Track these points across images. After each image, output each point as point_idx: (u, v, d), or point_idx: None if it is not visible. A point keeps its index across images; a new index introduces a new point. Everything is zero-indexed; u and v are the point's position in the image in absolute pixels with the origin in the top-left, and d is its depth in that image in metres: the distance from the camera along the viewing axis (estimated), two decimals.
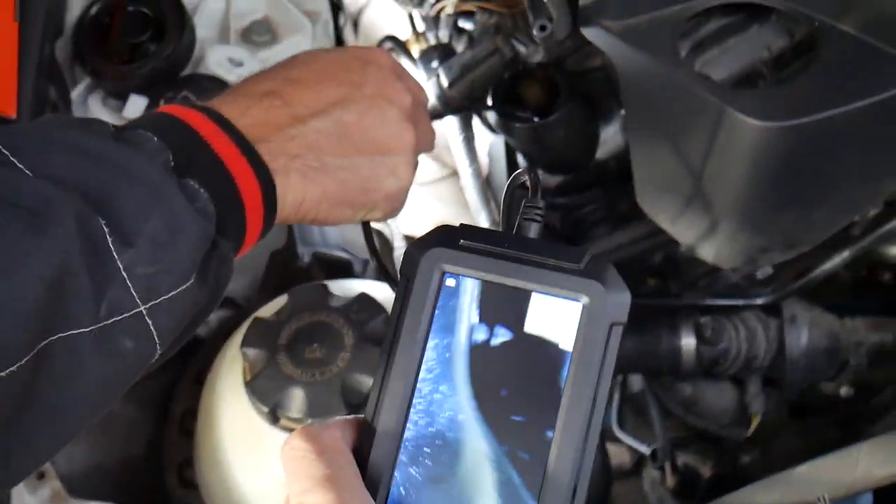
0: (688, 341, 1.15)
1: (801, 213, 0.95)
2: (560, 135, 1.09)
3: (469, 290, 0.54)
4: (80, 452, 1.01)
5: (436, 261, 0.54)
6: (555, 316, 0.54)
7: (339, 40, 1.26)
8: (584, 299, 0.53)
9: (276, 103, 0.66)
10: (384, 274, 0.83)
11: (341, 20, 1.28)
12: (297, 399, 0.87)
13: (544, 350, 0.53)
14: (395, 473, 0.53)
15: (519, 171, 0.60)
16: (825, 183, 0.92)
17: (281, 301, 0.96)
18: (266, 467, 0.92)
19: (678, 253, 1.18)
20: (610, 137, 1.13)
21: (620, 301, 0.53)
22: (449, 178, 1.56)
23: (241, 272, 1.17)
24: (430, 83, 1.12)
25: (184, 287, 0.57)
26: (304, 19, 1.14)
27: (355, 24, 1.62)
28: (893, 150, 0.92)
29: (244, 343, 0.90)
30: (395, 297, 0.55)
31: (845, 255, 1.09)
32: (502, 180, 1.21)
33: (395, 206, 0.74)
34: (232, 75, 1.05)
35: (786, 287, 1.14)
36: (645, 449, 1.23)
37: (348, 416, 0.55)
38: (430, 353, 0.54)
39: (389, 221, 1.18)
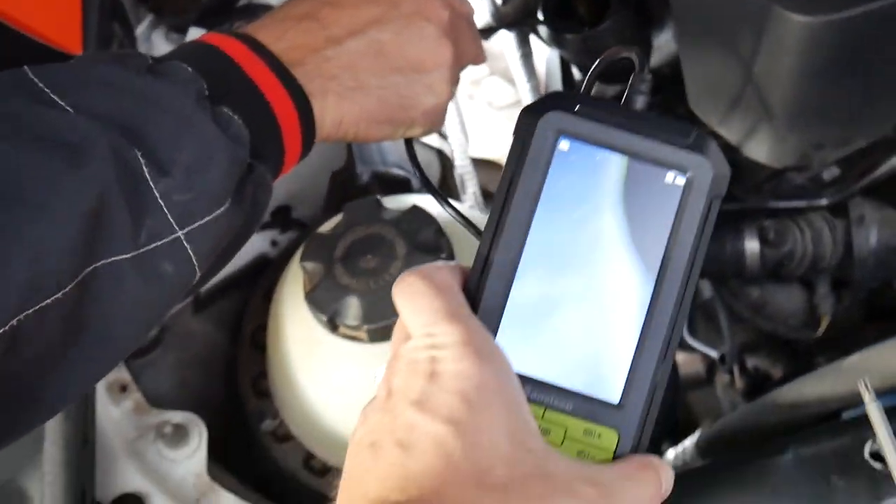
0: (751, 244, 1.14)
1: (852, 108, 0.93)
2: (611, 43, 1.09)
3: (582, 154, 0.57)
4: (162, 368, 1.08)
5: (553, 123, 0.57)
6: (662, 185, 0.57)
7: None
8: (691, 172, 0.57)
9: (312, 26, 0.68)
10: (429, 187, 0.85)
11: None
12: (353, 307, 0.91)
13: (649, 216, 0.57)
14: (507, 313, 0.55)
15: (618, 47, 0.62)
16: (875, 76, 0.90)
17: (338, 217, 0.99)
18: (328, 374, 0.97)
19: (741, 157, 1.17)
20: (663, 44, 1.12)
21: (722, 175, 0.57)
22: None
23: (305, 195, 1.21)
24: (485, 0, 1.14)
25: (219, 212, 0.60)
26: None
27: None
28: None
29: (303, 257, 0.95)
30: (509, 158, 0.58)
31: None
32: None
33: (434, 121, 0.75)
34: None
35: (851, 186, 1.13)
36: (714, 353, 1.24)
37: (452, 263, 0.57)
38: (542, 209, 0.57)
39: (450, 139, 1.20)
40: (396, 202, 1.00)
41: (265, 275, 1.13)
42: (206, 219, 0.59)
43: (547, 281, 0.56)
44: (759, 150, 0.97)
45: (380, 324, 0.90)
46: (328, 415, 0.97)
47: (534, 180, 0.57)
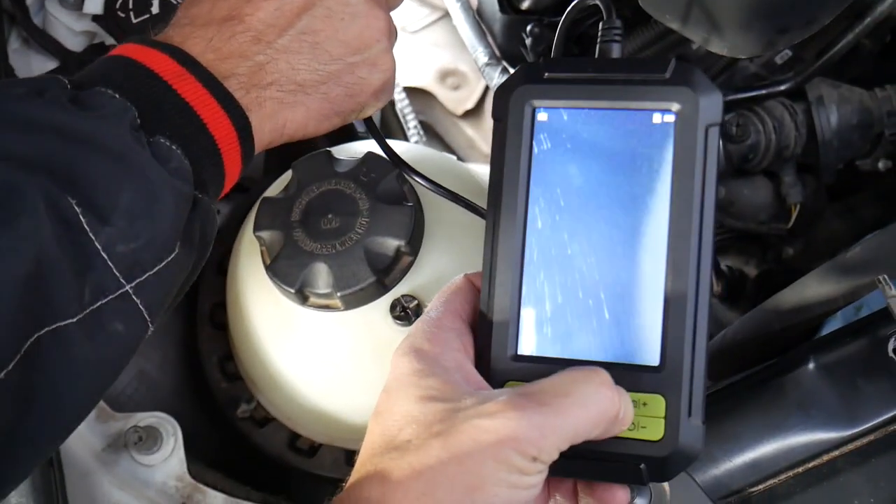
0: None
1: None
2: None
3: (563, 119, 0.56)
4: None
5: (525, 97, 0.56)
6: (650, 128, 0.55)
7: None
8: (676, 106, 0.54)
9: (237, 28, 0.61)
10: (376, 136, 0.79)
11: None
12: (321, 274, 0.83)
13: (646, 161, 0.55)
14: (524, 300, 0.56)
15: None
16: None
17: (287, 177, 0.91)
18: (302, 348, 0.89)
19: (690, 52, 1.12)
20: None
21: (712, 102, 0.54)
22: (441, 20, 1.49)
23: None
24: None
25: (169, 259, 0.56)
26: None
27: None
28: None
29: (256, 227, 0.86)
30: (493, 141, 0.57)
31: (867, 21, 1.03)
32: (494, 10, 1.14)
33: (385, 97, 0.70)
34: None
35: (808, 68, 1.08)
36: None
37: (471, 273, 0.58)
38: (536, 185, 0.56)
39: None
40: (346, 151, 0.91)
41: (214, 246, 1.04)
42: (156, 268, 0.55)
43: (557, 257, 0.55)
44: (721, 42, 0.92)
45: (354, 288, 0.82)
46: (309, 392, 0.89)
47: (521, 158, 0.56)
